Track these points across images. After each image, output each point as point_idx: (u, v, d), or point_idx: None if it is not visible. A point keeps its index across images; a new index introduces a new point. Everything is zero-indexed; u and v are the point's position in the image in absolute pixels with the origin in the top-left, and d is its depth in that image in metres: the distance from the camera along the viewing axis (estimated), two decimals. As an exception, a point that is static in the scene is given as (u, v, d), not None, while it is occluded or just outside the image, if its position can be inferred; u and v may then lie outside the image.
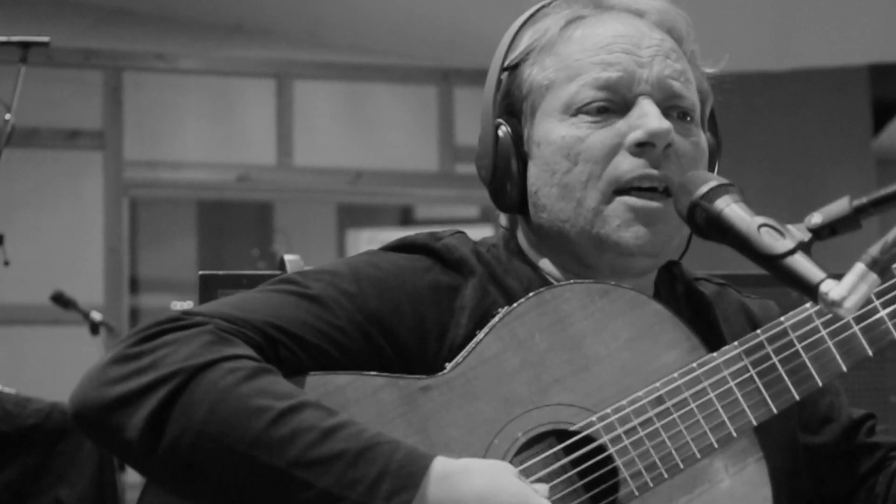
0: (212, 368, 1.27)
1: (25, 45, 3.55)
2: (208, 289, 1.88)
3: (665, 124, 1.43)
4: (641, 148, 1.43)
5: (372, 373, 1.34)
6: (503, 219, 1.58)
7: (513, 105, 1.52)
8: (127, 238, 6.79)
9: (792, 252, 1.26)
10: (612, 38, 1.47)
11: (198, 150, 6.83)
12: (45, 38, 3.58)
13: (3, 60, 3.69)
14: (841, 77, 7.03)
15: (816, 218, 1.29)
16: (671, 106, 1.46)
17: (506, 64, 1.53)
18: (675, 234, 1.46)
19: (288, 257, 1.90)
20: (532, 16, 1.54)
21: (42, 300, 5.28)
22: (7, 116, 3.51)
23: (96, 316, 5.13)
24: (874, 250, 1.22)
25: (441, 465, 1.25)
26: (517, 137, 1.50)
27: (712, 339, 1.40)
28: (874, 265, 1.22)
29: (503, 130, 1.51)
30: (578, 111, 1.46)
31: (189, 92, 6.85)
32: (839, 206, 1.29)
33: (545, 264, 1.51)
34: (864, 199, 1.28)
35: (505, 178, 1.51)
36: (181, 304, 8.42)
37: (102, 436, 1.29)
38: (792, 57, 6.67)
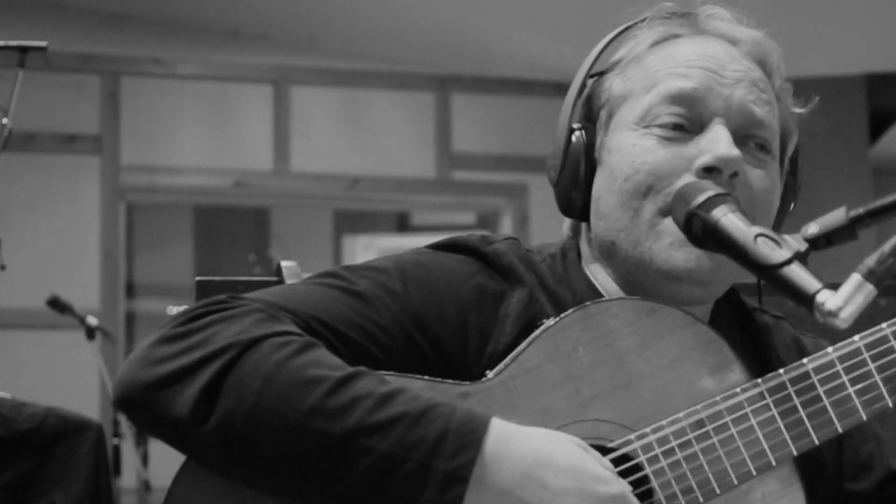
0: (264, 342, 1.26)
1: (23, 50, 3.55)
2: (205, 295, 1.87)
3: (734, 151, 1.40)
4: (708, 173, 1.41)
5: (413, 375, 1.33)
6: (566, 225, 1.57)
7: (591, 112, 1.53)
8: (123, 243, 6.78)
9: (788, 262, 1.26)
10: (696, 56, 1.46)
11: (195, 155, 6.83)
12: (42, 43, 3.58)
13: (1, 65, 3.69)
14: (838, 86, 7.04)
15: (813, 228, 1.29)
16: (749, 135, 1.44)
17: (593, 70, 1.53)
18: (725, 263, 1.40)
19: (284, 263, 1.90)
20: (629, 27, 1.54)
21: (38, 304, 5.27)
22: (4, 121, 3.51)
23: (92, 321, 5.12)
24: (871, 261, 1.22)
25: (500, 425, 1.25)
26: (590, 144, 1.50)
27: (765, 369, 1.38)
28: (870, 276, 1.22)
29: (577, 135, 1.50)
30: (652, 124, 1.44)
31: (186, 97, 6.85)
32: (836, 217, 1.29)
33: (601, 276, 1.50)
34: (860, 210, 1.28)
35: (572, 182, 1.50)
36: (177, 310, 8.39)
37: (150, 415, 1.27)
38: (789, 65, 6.67)
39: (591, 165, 1.50)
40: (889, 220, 1.29)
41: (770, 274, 1.27)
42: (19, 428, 3.76)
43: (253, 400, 1.23)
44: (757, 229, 1.30)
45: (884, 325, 1.36)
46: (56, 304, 5.14)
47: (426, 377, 1.33)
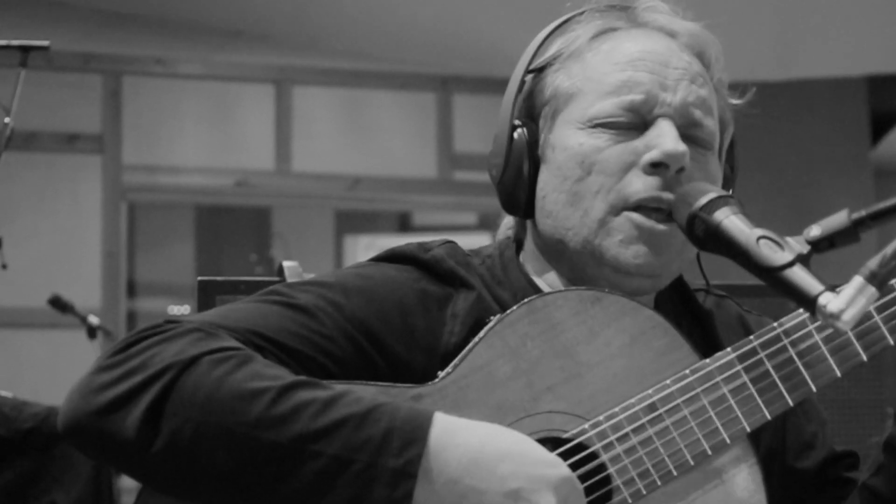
0: (202, 359, 1.26)
1: (25, 49, 3.56)
2: (207, 295, 1.87)
3: (681, 147, 1.42)
4: (655, 168, 1.43)
5: (365, 382, 1.34)
6: (509, 221, 1.58)
7: (533, 108, 1.53)
8: (125, 242, 6.78)
9: (791, 264, 1.26)
10: (639, 54, 1.47)
11: (196, 155, 6.83)
12: (44, 42, 3.58)
13: (3, 64, 3.69)
14: (839, 88, 7.04)
15: (815, 230, 1.30)
16: (689, 134, 1.46)
17: (532, 66, 1.53)
18: (675, 258, 1.45)
19: (286, 263, 1.90)
20: (564, 22, 1.54)
21: (39, 304, 5.28)
22: (6, 120, 3.52)
23: (93, 320, 5.13)
24: (873, 263, 1.22)
25: (443, 418, 1.26)
26: (532, 141, 1.50)
27: (710, 350, 1.39)
28: (873, 278, 1.22)
29: (519, 132, 1.51)
30: (598, 125, 1.46)
31: (188, 97, 6.85)
32: (838, 219, 1.29)
33: (545, 273, 1.51)
34: (862, 212, 1.28)
35: (515, 179, 1.50)
36: (178, 309, 8.42)
37: (97, 444, 1.27)
38: (791, 67, 6.68)
39: (535, 163, 1.50)
40: (891, 223, 1.29)
41: (772, 276, 1.27)
42: (21, 427, 3.76)
43: (197, 417, 1.24)
44: (759, 231, 1.30)
45: None
46: (57, 304, 5.15)
47: (378, 383, 1.34)
